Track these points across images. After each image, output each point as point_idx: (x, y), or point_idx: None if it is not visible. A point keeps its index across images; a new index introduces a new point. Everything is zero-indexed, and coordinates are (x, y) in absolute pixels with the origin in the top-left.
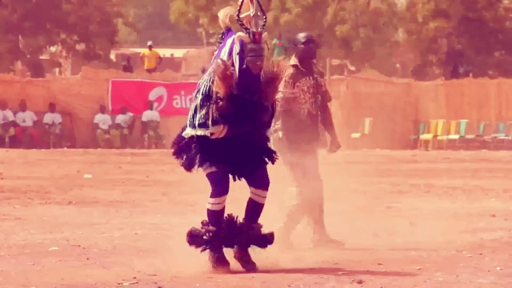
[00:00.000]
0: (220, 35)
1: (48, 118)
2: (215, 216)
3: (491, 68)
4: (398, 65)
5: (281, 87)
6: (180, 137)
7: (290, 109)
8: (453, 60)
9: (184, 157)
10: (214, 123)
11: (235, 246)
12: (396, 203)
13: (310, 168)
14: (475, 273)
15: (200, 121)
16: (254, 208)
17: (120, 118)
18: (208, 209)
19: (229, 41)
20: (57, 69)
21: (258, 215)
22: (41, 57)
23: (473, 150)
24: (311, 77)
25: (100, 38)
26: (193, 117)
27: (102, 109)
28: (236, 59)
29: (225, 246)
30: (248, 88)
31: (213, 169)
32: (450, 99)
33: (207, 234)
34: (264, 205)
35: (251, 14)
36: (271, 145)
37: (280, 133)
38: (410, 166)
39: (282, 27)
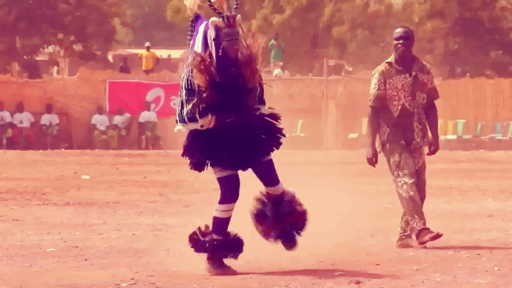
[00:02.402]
0: (189, 23)
1: (45, 119)
2: (221, 224)
3: (487, 68)
4: None
5: (373, 84)
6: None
7: (382, 106)
8: (450, 60)
9: (192, 158)
10: (202, 115)
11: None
12: (393, 204)
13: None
14: (472, 273)
15: (189, 115)
16: (275, 200)
17: (117, 119)
18: (214, 217)
19: (201, 28)
20: (55, 68)
21: (285, 205)
22: (37, 58)
23: (470, 150)
24: (407, 75)
25: (97, 38)
26: (181, 112)
27: (99, 110)
28: (212, 45)
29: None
30: (228, 73)
31: (224, 173)
32: (447, 99)
33: (210, 243)
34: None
35: None
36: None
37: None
38: None
39: (276, 27)
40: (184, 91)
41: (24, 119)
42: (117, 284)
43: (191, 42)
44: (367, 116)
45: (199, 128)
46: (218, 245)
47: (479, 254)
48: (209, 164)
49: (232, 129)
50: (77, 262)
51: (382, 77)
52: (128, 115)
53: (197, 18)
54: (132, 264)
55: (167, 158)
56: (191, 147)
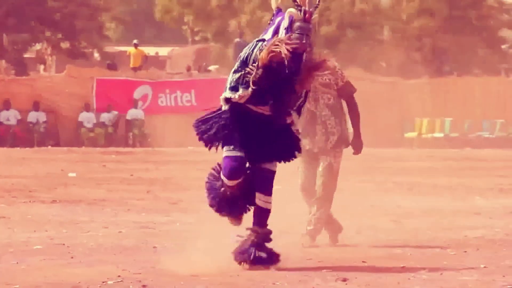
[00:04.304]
0: (271, 17)
1: (32, 116)
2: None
3: (475, 67)
4: (383, 64)
5: None
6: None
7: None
8: (438, 59)
9: (205, 133)
10: (244, 87)
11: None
12: (380, 201)
13: (300, 168)
14: (459, 271)
15: (232, 84)
16: (260, 213)
17: (105, 117)
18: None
19: (277, 20)
20: (41, 66)
21: (264, 220)
22: (25, 55)
23: (457, 148)
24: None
25: (86, 34)
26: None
27: (87, 108)
28: (282, 34)
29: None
30: (287, 65)
31: (232, 153)
32: (435, 97)
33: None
34: (271, 210)
35: None
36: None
37: None
38: (394, 164)
39: (264, 24)
40: (238, 62)
41: (11, 117)
42: (104, 282)
43: (265, 32)
44: None
45: (236, 98)
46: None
47: (466, 252)
48: (220, 145)
49: (258, 121)
50: (64, 260)
51: None
52: (115, 112)
53: (278, 12)
54: (119, 261)
55: (155, 155)
56: (212, 122)
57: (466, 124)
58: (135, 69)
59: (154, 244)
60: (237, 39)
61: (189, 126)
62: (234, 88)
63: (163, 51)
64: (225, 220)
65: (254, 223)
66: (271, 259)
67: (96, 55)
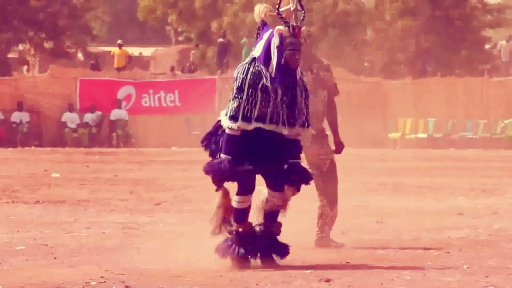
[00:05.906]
0: (256, 30)
1: (16, 116)
2: (240, 214)
3: (458, 67)
4: (366, 64)
5: None
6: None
7: None
8: (421, 59)
9: (212, 146)
10: (244, 119)
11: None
12: (364, 202)
13: None
14: (442, 271)
15: (232, 113)
16: (271, 211)
17: (88, 117)
18: (234, 207)
19: (266, 35)
20: (25, 67)
21: (275, 219)
22: (8, 56)
23: (441, 149)
24: (309, 72)
25: (70, 34)
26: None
27: (70, 108)
28: (274, 52)
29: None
30: (284, 82)
31: (241, 167)
32: (418, 97)
33: (233, 233)
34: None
35: (291, 8)
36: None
37: None
38: (378, 165)
39: (248, 25)
40: (235, 89)
41: None
42: (86, 283)
43: (253, 47)
44: None
45: (235, 128)
46: (238, 235)
47: (448, 252)
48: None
49: (264, 135)
50: (47, 260)
51: None
52: (99, 112)
53: (263, 25)
54: (102, 262)
55: (138, 156)
56: (216, 136)
57: (449, 124)
58: (119, 69)
59: (137, 244)
60: (220, 39)
61: (172, 126)
62: (233, 118)
63: (147, 51)
64: (207, 221)
65: (264, 222)
66: (281, 252)
67: (80, 55)
